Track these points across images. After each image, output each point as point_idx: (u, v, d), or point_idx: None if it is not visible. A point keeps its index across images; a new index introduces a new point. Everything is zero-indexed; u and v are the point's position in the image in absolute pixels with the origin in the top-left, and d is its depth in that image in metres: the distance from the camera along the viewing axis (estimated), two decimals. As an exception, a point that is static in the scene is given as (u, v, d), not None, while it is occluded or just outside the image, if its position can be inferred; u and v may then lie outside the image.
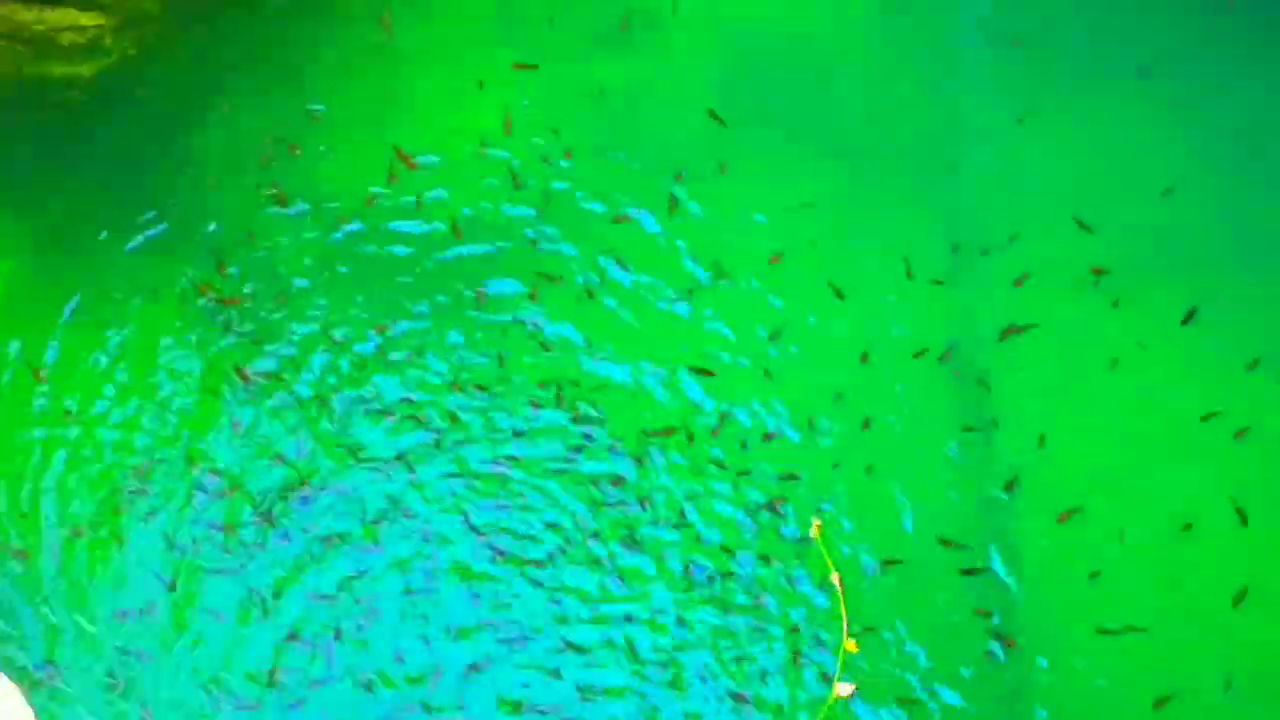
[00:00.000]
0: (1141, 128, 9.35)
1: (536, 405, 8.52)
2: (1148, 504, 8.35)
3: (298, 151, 9.24)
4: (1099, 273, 8.82)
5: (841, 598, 6.20)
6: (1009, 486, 8.38)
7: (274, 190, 9.15)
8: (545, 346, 8.69)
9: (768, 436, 8.48)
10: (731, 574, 8.14)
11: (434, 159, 9.25)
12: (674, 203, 9.07)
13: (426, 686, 7.87)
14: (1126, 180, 9.17)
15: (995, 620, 8.08)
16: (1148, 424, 8.54)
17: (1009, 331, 8.73)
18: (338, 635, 7.98)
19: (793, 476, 8.38)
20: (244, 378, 8.59)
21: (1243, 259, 8.93)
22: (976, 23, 9.79)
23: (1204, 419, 8.48)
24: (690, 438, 8.46)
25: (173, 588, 8.03)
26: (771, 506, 8.29)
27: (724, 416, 8.52)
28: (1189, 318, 8.72)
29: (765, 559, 8.17)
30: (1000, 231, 9.03)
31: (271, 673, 7.88)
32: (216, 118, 9.44)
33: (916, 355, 8.70)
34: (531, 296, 8.85)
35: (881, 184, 9.23)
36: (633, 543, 8.21)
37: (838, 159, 9.29)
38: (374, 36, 9.70)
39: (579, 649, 7.98)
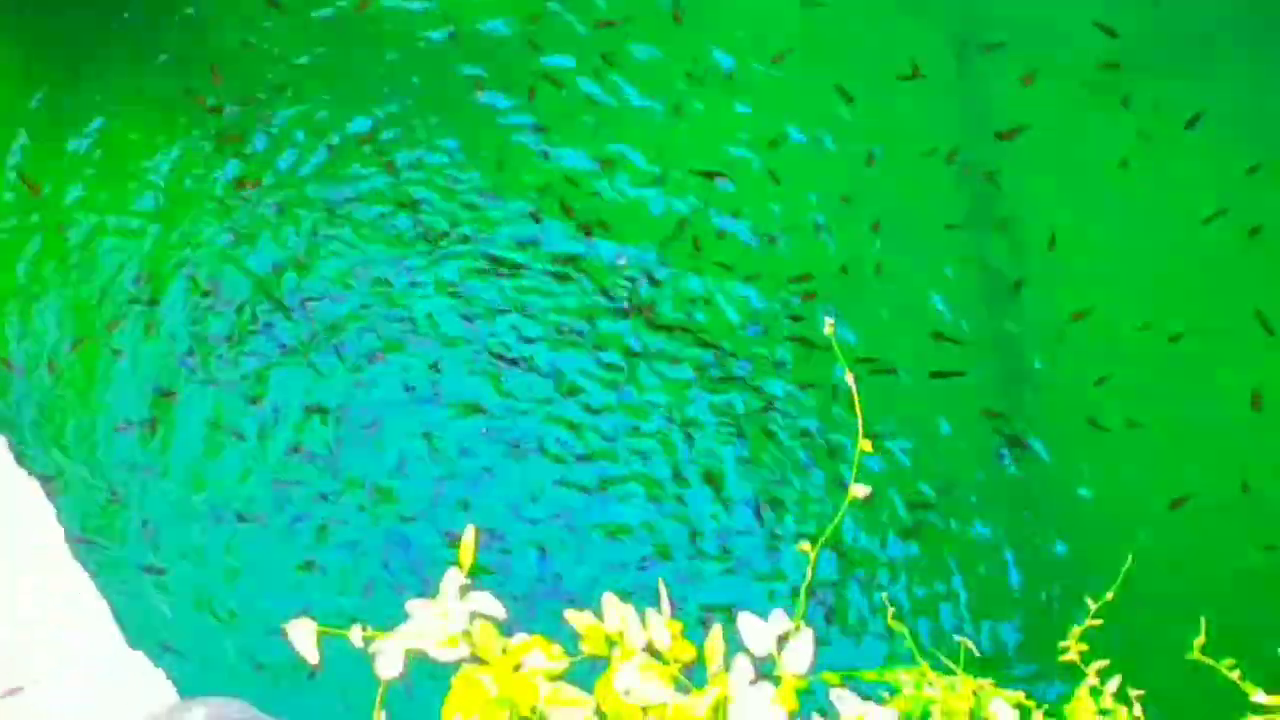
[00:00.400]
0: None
1: (536, 215, 8.39)
2: (1159, 305, 8.27)
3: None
4: (1108, 67, 8.66)
5: (855, 398, 6.08)
6: (1017, 285, 8.27)
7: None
8: (545, 154, 8.53)
9: (774, 239, 8.34)
10: (740, 378, 8.05)
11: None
12: (678, 7, 8.87)
13: (432, 493, 7.83)
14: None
15: (1005, 421, 8.06)
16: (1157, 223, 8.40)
17: (1016, 130, 8.56)
18: (340, 445, 7.92)
19: (802, 278, 8.27)
20: (240, 186, 8.43)
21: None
22: None
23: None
24: (696, 242, 8.32)
25: (174, 399, 7.94)
26: (783, 308, 8.20)
27: (731, 219, 8.37)
28: (1193, 122, 8.56)
29: (776, 361, 8.09)
30: (1009, 29, 8.82)
31: (275, 484, 7.82)
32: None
33: (924, 155, 8.54)
34: (530, 96, 8.66)
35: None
36: (639, 347, 8.11)
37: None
38: None
39: (588, 457, 7.92)
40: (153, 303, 8.14)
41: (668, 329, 8.17)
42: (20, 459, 6.21)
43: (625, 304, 8.20)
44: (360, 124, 8.58)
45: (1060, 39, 8.82)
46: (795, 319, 8.18)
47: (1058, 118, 8.65)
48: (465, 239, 8.35)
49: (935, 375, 8.11)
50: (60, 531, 5.78)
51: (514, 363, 8.09)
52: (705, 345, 8.14)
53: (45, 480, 6.10)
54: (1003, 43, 8.78)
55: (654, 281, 8.25)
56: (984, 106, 8.73)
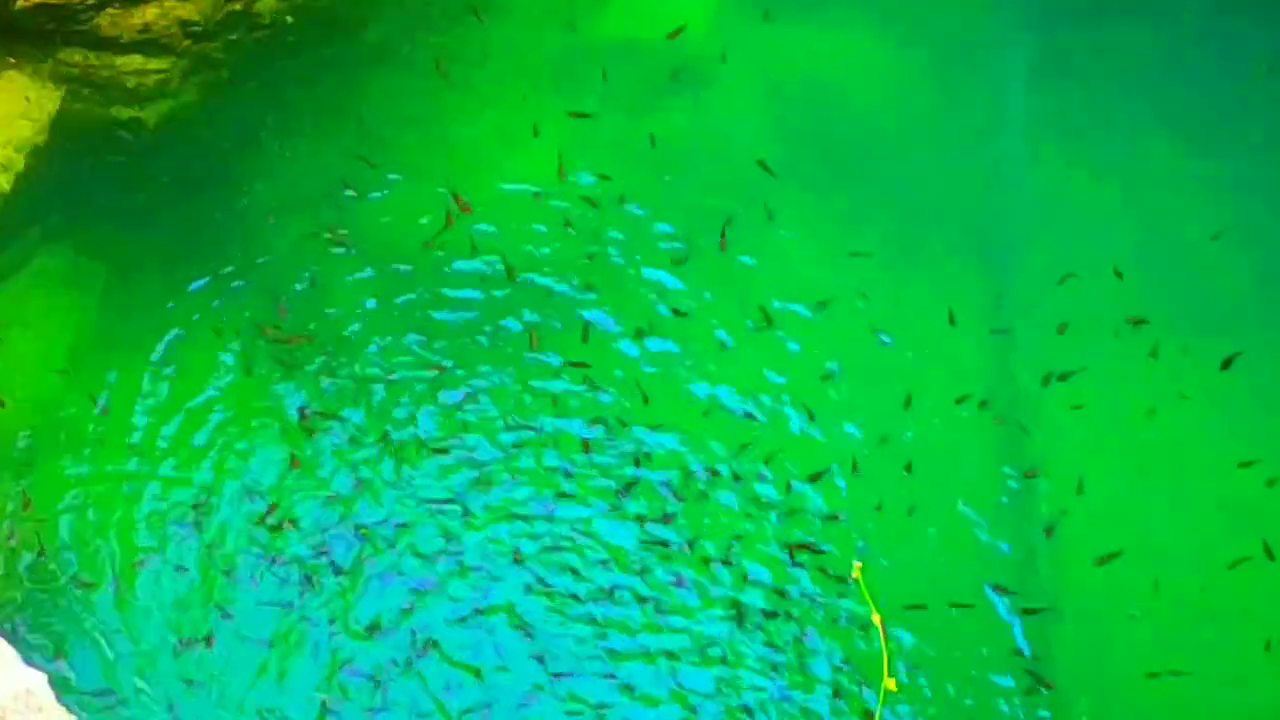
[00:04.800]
0: (1183, 179, 9.51)
1: (586, 447, 8.67)
2: (1185, 549, 8.46)
3: (353, 193, 9.43)
4: (1137, 322, 8.96)
5: (883, 637, 6.24)
6: (1048, 531, 8.49)
7: (332, 233, 9.33)
8: (595, 387, 8.84)
9: (813, 478, 8.60)
10: (775, 613, 8.25)
11: (489, 204, 9.44)
12: (724, 245, 9.22)
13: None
14: (1167, 231, 9.33)
15: (1034, 663, 8.16)
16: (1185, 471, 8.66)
17: (1049, 379, 8.86)
18: (392, 666, 8.10)
19: (835, 517, 8.51)
20: (303, 416, 8.75)
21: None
22: (1027, 70, 9.97)
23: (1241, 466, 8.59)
24: (737, 478, 8.58)
25: (230, 619, 8.16)
26: (814, 547, 8.41)
27: (769, 458, 8.66)
28: (1228, 364, 8.83)
29: (808, 599, 8.28)
30: (1043, 281, 9.19)
31: (324, 703, 8.00)
32: (275, 161, 9.64)
33: (958, 401, 8.83)
34: (583, 339, 9.02)
35: (926, 233, 9.38)
36: (679, 580, 8.33)
37: (883, 210, 9.46)
38: (430, 82, 9.90)
39: (627, 686, 8.09)
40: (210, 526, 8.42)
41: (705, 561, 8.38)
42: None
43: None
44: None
45: (1093, 289, 9.15)
46: (822, 556, 8.40)
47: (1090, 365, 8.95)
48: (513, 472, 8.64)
49: (955, 606, 8.25)
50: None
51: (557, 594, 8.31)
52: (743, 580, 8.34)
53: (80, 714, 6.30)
54: (1038, 295, 9.11)
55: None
56: (1017, 356, 9.00)
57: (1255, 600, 8.32)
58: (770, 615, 8.23)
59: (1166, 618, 8.31)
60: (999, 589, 8.30)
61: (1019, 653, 8.20)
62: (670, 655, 8.17)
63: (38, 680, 5.83)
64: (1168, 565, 8.41)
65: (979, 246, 9.38)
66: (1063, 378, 8.87)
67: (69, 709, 5.83)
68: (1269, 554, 8.38)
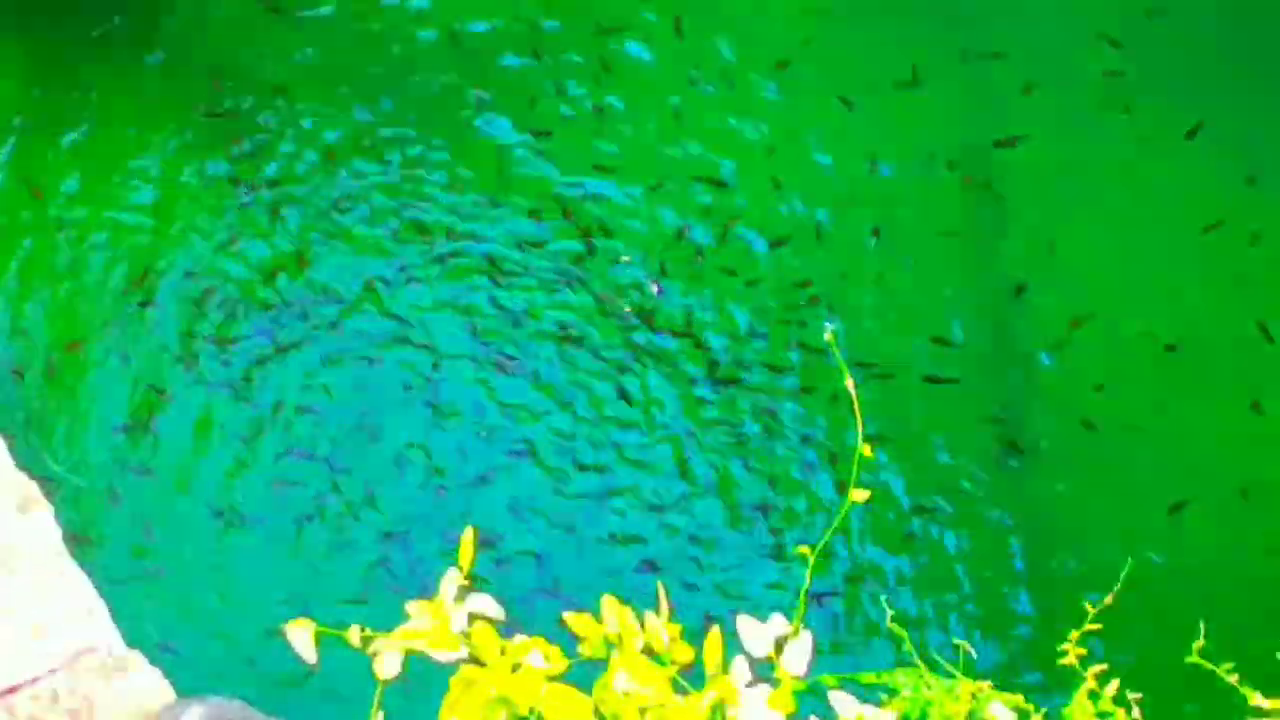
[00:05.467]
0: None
1: (538, 217, 8.38)
2: (1159, 311, 8.29)
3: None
4: (1111, 75, 8.68)
5: (855, 403, 6.10)
6: (1019, 291, 8.28)
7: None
8: (545, 155, 8.52)
9: (776, 244, 8.33)
10: (741, 381, 8.04)
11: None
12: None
13: (432, 497, 7.81)
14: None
15: (1005, 426, 8.06)
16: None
17: (1016, 139, 8.59)
18: (336, 446, 7.90)
19: (803, 284, 8.28)
20: (240, 185, 8.42)
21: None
22: None
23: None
24: (699, 251, 8.31)
25: (170, 400, 7.93)
26: (782, 315, 8.21)
27: (730, 224, 8.37)
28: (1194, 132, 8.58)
29: (776, 367, 8.08)
30: (1012, 38, 8.84)
31: (273, 484, 7.79)
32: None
33: (924, 162, 8.53)
34: (531, 104, 8.66)
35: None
36: (641, 352, 8.10)
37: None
38: None
39: (589, 467, 7.90)
40: (146, 303, 8.11)
41: (671, 333, 8.16)
42: (18, 461, 6.20)
43: (627, 310, 8.20)
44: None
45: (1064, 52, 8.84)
46: (798, 324, 8.17)
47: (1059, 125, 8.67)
48: (462, 238, 8.35)
49: (931, 380, 8.09)
50: (58, 532, 5.77)
51: (511, 362, 8.08)
52: (706, 349, 8.13)
53: (43, 481, 6.10)
54: (1007, 51, 8.78)
55: (657, 285, 8.26)
56: (985, 115, 8.74)
57: (1234, 364, 8.17)
58: (737, 384, 8.04)
59: (1140, 380, 8.16)
60: (969, 351, 8.12)
61: (991, 418, 8.05)
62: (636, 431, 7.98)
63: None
64: (1142, 328, 8.26)
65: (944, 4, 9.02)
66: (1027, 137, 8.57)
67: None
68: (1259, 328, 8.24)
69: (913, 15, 8.98)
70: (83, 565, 5.79)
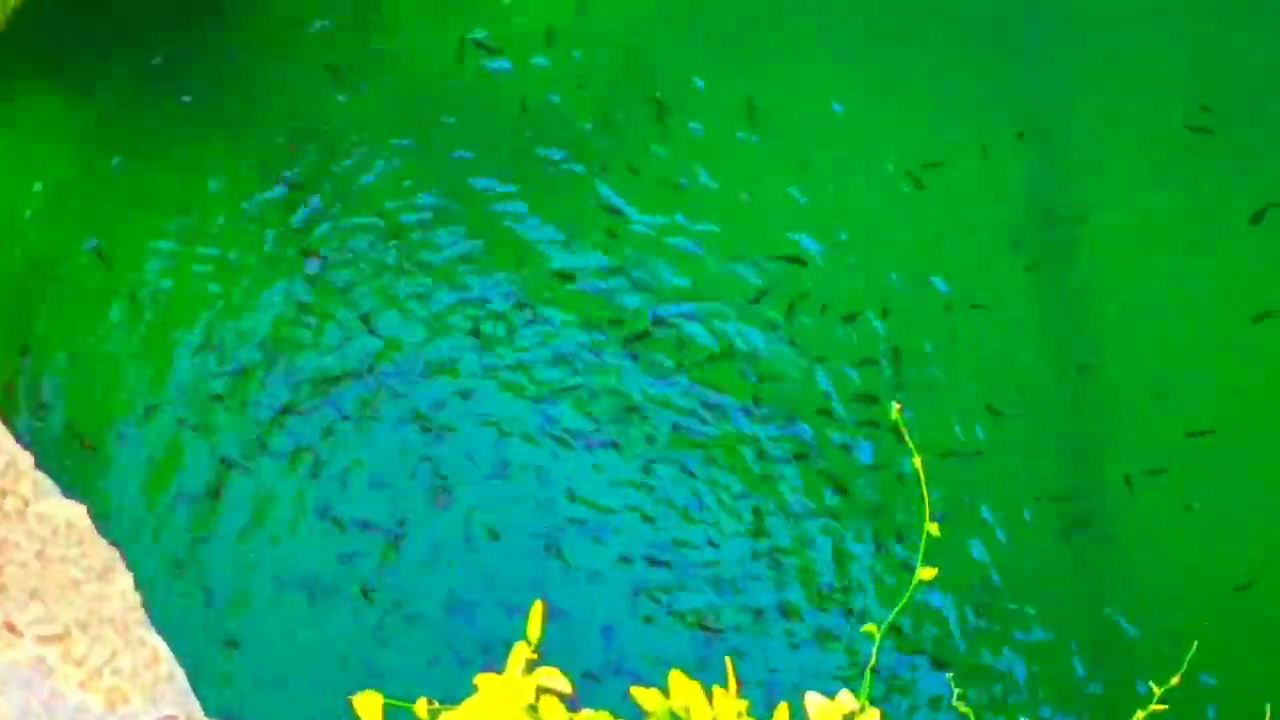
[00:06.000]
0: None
1: (609, 274, 8.43)
2: (1227, 391, 8.28)
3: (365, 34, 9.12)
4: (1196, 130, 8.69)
5: (923, 481, 6.09)
6: (1087, 368, 8.30)
7: (337, 69, 9.01)
8: (613, 232, 8.58)
9: (848, 318, 8.37)
10: (809, 455, 8.07)
11: (499, 42, 9.11)
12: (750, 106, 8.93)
13: (497, 564, 7.84)
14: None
15: (1073, 505, 8.04)
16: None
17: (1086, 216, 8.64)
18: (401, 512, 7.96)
19: (871, 361, 8.29)
20: (311, 256, 8.50)
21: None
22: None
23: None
24: (776, 321, 8.38)
25: (239, 470, 7.99)
26: (854, 390, 8.24)
27: (800, 298, 8.43)
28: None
29: (846, 444, 8.11)
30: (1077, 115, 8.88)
31: (340, 556, 7.83)
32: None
33: (992, 237, 8.57)
34: (601, 174, 8.74)
35: (955, 66, 9.07)
36: (712, 418, 8.12)
37: (908, 45, 9.12)
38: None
39: (658, 564, 7.93)
40: (218, 373, 8.19)
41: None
42: (98, 527, 6.27)
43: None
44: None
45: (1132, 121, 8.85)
46: (860, 400, 8.19)
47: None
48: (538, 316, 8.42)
49: (991, 454, 8.10)
50: (138, 598, 5.84)
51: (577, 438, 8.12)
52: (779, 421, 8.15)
53: (122, 548, 6.17)
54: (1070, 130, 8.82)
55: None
56: (1051, 192, 8.76)
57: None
58: (806, 458, 8.04)
59: (1210, 459, 8.16)
60: (1035, 429, 8.11)
61: (1058, 498, 8.06)
62: (701, 505, 8.00)
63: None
64: (1212, 409, 8.23)
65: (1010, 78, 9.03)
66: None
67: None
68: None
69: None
70: (162, 633, 5.84)
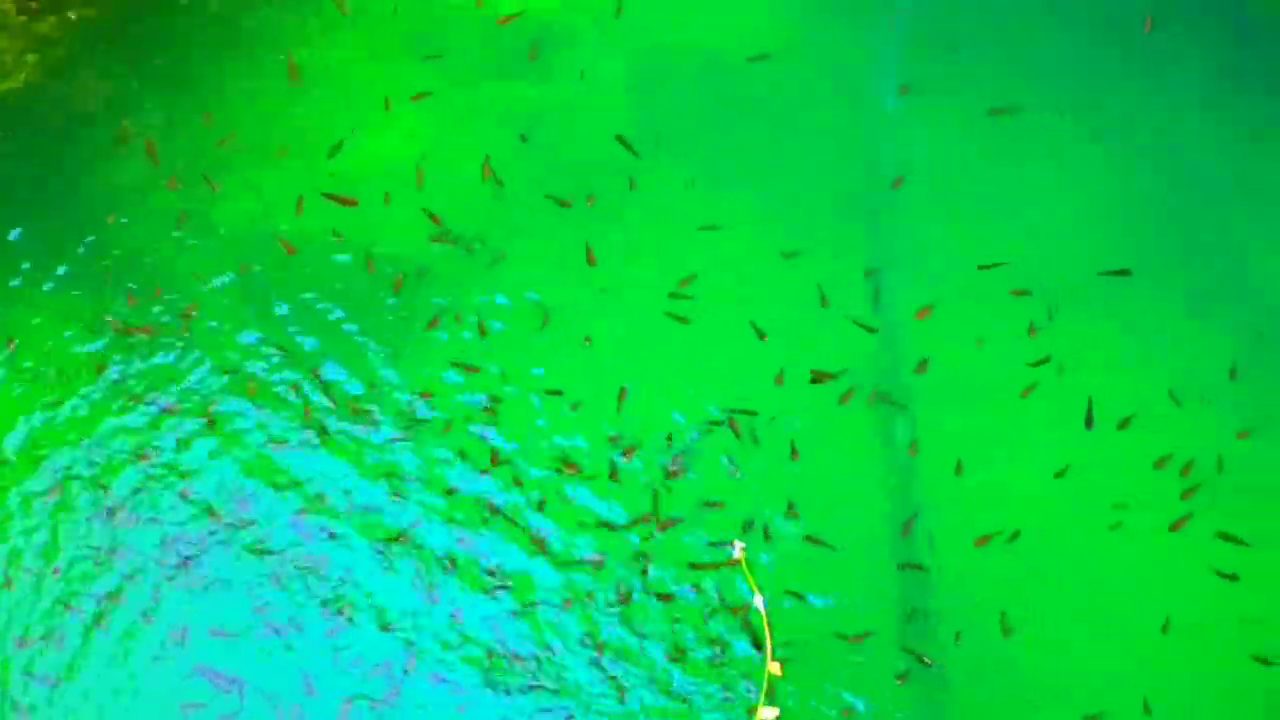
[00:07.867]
0: (1063, 154, 9.40)
1: (449, 428, 8.51)
2: (1069, 526, 8.43)
3: (213, 185, 9.13)
4: (1019, 294, 8.88)
5: (766, 621, 6.13)
6: (922, 512, 8.41)
7: (183, 219, 9.01)
8: (467, 368, 8.66)
9: (679, 462, 8.47)
10: (652, 595, 8.10)
11: (342, 190, 9.17)
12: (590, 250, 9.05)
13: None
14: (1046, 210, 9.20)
15: (915, 639, 8.08)
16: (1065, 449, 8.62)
17: (924, 362, 8.78)
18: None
19: (714, 504, 8.36)
20: (153, 405, 8.49)
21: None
22: (897, 41, 9.85)
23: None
24: (614, 471, 8.43)
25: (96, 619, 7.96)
26: (695, 533, 8.29)
27: (634, 447, 8.51)
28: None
29: (691, 584, 8.12)
30: (914, 261, 9.09)
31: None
32: (124, 145, 9.31)
33: (830, 382, 8.69)
34: (433, 324, 8.83)
35: (794, 211, 9.21)
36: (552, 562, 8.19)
37: (747, 189, 9.29)
38: (281, 65, 9.61)
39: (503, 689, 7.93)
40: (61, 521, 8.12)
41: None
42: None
43: None
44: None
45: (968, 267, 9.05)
46: (702, 542, 8.25)
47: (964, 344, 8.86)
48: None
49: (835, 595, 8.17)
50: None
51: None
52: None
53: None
54: (910, 275, 9.01)
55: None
56: (892, 338, 8.88)
57: (1140, 583, 8.32)
58: (647, 596, 8.09)
59: (1048, 596, 8.28)
60: (876, 568, 8.22)
61: (901, 627, 8.12)
62: (547, 646, 8.03)
63: None
64: (1050, 547, 8.39)
65: (850, 227, 9.18)
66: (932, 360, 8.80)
67: None
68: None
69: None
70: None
